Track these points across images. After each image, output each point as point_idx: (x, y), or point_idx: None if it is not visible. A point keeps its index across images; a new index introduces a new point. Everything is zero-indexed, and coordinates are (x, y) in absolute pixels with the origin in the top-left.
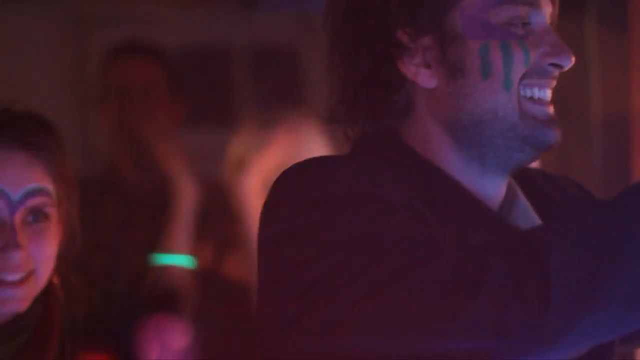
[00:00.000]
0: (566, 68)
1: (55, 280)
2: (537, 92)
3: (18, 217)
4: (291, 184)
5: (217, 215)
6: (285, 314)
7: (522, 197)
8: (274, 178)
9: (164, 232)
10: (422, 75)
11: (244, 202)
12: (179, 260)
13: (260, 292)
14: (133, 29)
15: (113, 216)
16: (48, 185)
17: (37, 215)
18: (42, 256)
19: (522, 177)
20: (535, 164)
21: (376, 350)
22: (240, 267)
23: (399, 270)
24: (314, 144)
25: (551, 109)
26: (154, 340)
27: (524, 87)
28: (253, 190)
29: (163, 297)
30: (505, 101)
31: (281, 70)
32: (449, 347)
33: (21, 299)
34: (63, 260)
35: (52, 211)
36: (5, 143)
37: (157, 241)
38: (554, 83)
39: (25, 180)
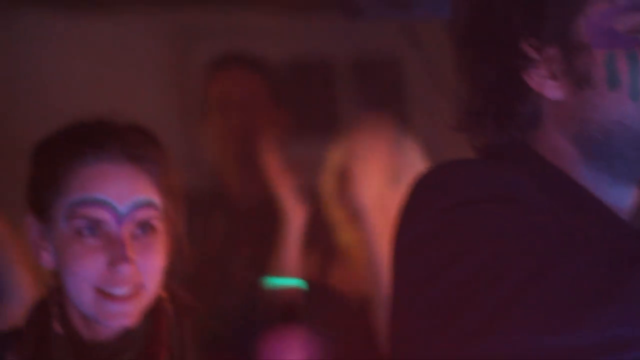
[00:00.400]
0: None
1: (164, 295)
2: None
3: (126, 230)
4: (433, 186)
5: (321, 226)
6: (430, 317)
7: None
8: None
9: (273, 253)
10: (547, 86)
11: (356, 212)
12: (290, 282)
13: (398, 297)
14: (236, 40)
15: (221, 230)
16: (155, 197)
17: (145, 228)
18: (150, 270)
19: None
20: None
21: (530, 348)
22: (345, 278)
23: (548, 264)
24: (413, 155)
25: None
26: (274, 355)
27: None
28: (364, 199)
29: (280, 315)
30: (633, 112)
31: (384, 80)
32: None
33: (130, 314)
34: (171, 274)
35: (159, 224)
36: (111, 156)
37: (265, 254)
38: None
39: (132, 192)
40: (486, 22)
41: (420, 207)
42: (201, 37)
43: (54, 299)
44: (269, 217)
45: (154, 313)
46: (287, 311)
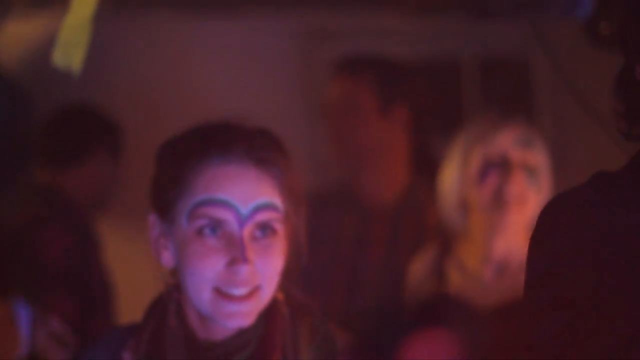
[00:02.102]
0: None
1: (280, 297)
2: None
3: (247, 231)
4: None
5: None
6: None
7: None
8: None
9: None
10: None
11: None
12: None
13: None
14: (363, 41)
15: (351, 231)
16: (277, 200)
17: (265, 230)
18: (268, 272)
19: None
20: None
21: None
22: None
23: None
24: (540, 153)
25: None
26: (418, 356)
27: None
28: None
29: (424, 318)
30: None
31: (511, 81)
32: None
33: (247, 314)
34: (288, 276)
35: (279, 226)
36: (236, 158)
37: (397, 256)
38: None
39: (255, 195)
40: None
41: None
42: (329, 38)
43: (172, 297)
44: (400, 217)
45: (269, 314)
46: (430, 315)
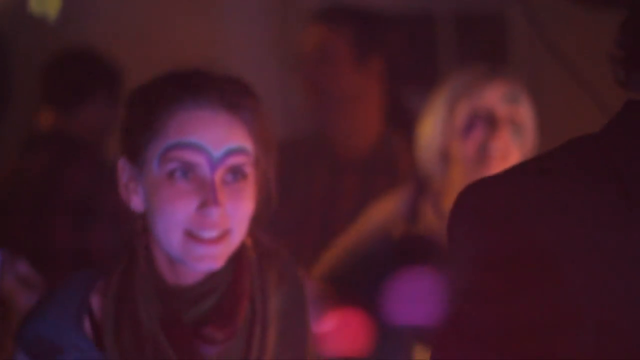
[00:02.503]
0: None
1: (249, 242)
2: None
3: (218, 175)
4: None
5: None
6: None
7: None
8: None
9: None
10: None
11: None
12: None
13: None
14: None
15: (323, 180)
16: (248, 145)
17: (236, 174)
18: (238, 215)
19: None
20: None
21: None
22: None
23: None
24: (526, 110)
25: None
26: (408, 294)
27: None
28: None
29: (408, 255)
30: None
31: (487, 35)
32: None
33: (217, 257)
34: (257, 222)
35: (250, 171)
36: (207, 102)
37: (368, 204)
38: None
39: (227, 139)
40: None
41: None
42: None
43: (140, 242)
44: (372, 168)
45: (237, 259)
46: (407, 255)
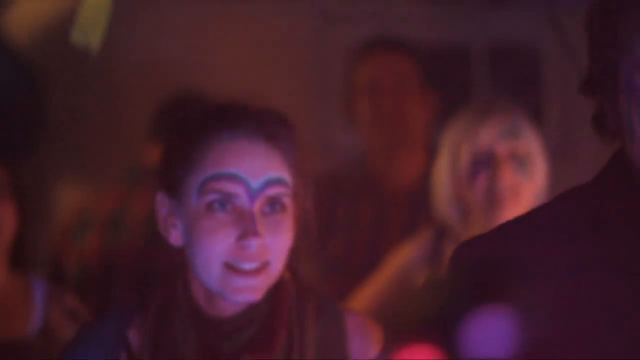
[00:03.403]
0: None
1: (287, 275)
2: None
3: (257, 206)
4: None
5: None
6: None
7: None
8: None
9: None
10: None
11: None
12: None
13: None
14: (375, 26)
15: (369, 214)
16: (286, 176)
17: (275, 205)
18: (277, 247)
19: None
20: None
21: None
22: None
23: None
24: (529, 141)
25: None
26: (480, 334)
27: None
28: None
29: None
30: None
31: (521, 69)
32: None
33: (256, 289)
34: (296, 255)
35: (289, 202)
36: (245, 133)
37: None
38: None
39: (266, 169)
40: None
41: None
42: (341, 21)
43: (179, 275)
44: (420, 202)
45: (276, 292)
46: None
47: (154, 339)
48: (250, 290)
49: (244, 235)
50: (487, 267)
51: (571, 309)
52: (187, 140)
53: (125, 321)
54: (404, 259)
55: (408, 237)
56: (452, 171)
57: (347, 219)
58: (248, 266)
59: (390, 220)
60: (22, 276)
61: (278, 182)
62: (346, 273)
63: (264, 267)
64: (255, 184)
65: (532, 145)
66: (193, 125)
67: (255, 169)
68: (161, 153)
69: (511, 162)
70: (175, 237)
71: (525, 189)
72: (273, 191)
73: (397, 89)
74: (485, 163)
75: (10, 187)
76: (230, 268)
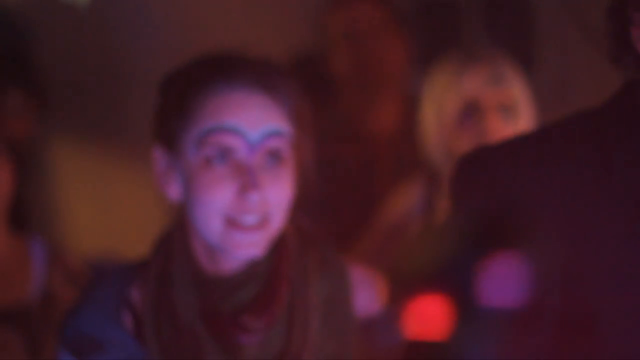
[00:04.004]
0: None
1: (289, 229)
2: None
3: (256, 158)
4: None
5: None
6: None
7: None
8: None
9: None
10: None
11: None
12: None
13: None
14: None
15: (357, 160)
16: (285, 127)
17: (275, 158)
18: (278, 200)
19: None
20: None
21: None
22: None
23: None
24: (514, 88)
25: None
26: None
27: None
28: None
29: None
30: None
31: (512, 17)
32: None
33: (257, 244)
34: (297, 206)
35: (288, 154)
36: (242, 85)
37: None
38: None
39: (264, 121)
40: None
41: None
42: None
43: (178, 232)
44: (399, 147)
45: (277, 246)
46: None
47: (154, 298)
48: (251, 245)
49: (244, 188)
50: (493, 199)
51: (578, 238)
52: (183, 92)
53: (127, 280)
54: (397, 210)
55: (393, 183)
56: (438, 118)
57: (336, 167)
58: (249, 220)
59: (374, 166)
60: (22, 238)
61: (277, 133)
62: (339, 221)
63: (264, 220)
64: (254, 136)
65: (517, 91)
66: (189, 77)
67: (254, 121)
68: (157, 105)
69: (497, 110)
70: (174, 192)
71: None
72: (272, 143)
73: (372, 34)
74: (471, 111)
75: (5, 147)
76: (231, 222)
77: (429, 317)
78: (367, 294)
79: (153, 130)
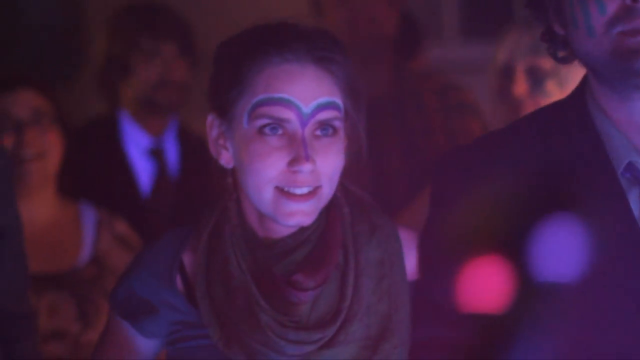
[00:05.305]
0: None
1: (339, 194)
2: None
3: (308, 130)
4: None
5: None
6: None
7: None
8: None
9: None
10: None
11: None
12: None
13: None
14: None
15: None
16: (337, 99)
17: (326, 129)
18: (329, 171)
19: None
20: None
21: None
22: None
23: None
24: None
25: None
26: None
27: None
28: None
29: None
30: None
31: None
32: None
33: (307, 213)
34: (348, 174)
35: (340, 125)
36: (295, 56)
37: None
38: None
39: (316, 93)
40: None
41: None
42: None
43: (231, 197)
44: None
45: (328, 211)
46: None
47: (206, 260)
48: (301, 214)
49: (295, 160)
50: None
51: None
52: (238, 62)
53: (180, 244)
54: None
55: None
56: (491, 89)
57: None
58: (299, 190)
59: (381, 129)
60: (71, 204)
61: (329, 105)
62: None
63: (315, 190)
64: (307, 108)
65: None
66: (243, 47)
67: (306, 93)
68: (211, 75)
69: (527, 78)
70: (226, 159)
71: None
72: (324, 115)
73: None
74: (507, 78)
75: (54, 115)
76: (282, 192)
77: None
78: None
79: (208, 98)
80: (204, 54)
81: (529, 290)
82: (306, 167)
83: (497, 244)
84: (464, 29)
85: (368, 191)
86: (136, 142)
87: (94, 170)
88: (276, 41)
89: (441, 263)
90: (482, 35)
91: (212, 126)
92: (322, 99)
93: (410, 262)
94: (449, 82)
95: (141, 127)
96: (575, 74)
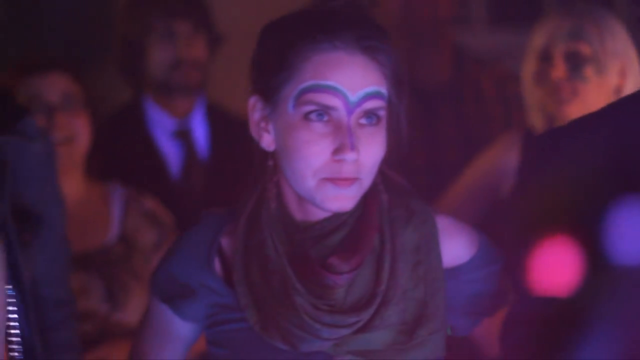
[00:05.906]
0: None
1: (377, 179)
2: None
3: (354, 119)
4: None
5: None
6: None
7: None
8: None
9: None
10: None
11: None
12: None
13: None
14: None
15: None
16: (383, 88)
17: (371, 117)
18: (372, 159)
19: None
20: None
21: None
22: None
23: None
24: (593, 43)
25: None
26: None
27: None
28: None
29: None
30: None
31: None
32: None
33: (349, 198)
34: (388, 162)
35: (384, 114)
36: (344, 44)
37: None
38: None
39: (364, 82)
40: None
41: None
42: None
43: (271, 179)
44: (461, 93)
45: (367, 196)
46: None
47: (245, 242)
48: (342, 199)
49: (340, 149)
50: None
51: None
52: (285, 46)
53: (218, 227)
54: (490, 163)
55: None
56: (528, 73)
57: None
58: (343, 176)
59: (436, 116)
60: (100, 184)
61: (375, 95)
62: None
63: (357, 178)
64: (353, 97)
65: (597, 48)
66: (291, 31)
67: (354, 82)
68: (255, 56)
69: (566, 62)
70: (267, 142)
71: (586, 91)
72: (370, 104)
73: None
74: (546, 62)
75: (84, 100)
76: (325, 178)
77: (555, 270)
78: (455, 244)
79: (250, 79)
80: (225, 30)
81: (604, 271)
82: (350, 156)
83: (577, 224)
84: (492, 17)
85: (422, 180)
86: (162, 126)
87: (122, 158)
88: (325, 28)
89: (521, 238)
90: (510, 23)
91: (254, 108)
92: (369, 88)
93: (446, 248)
94: (508, 71)
95: (165, 109)
96: (613, 61)
